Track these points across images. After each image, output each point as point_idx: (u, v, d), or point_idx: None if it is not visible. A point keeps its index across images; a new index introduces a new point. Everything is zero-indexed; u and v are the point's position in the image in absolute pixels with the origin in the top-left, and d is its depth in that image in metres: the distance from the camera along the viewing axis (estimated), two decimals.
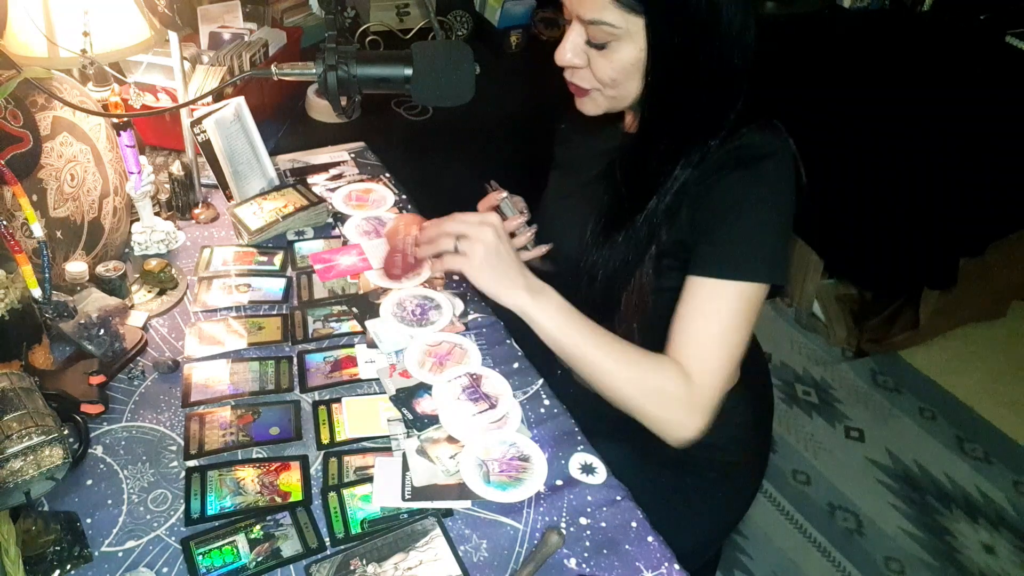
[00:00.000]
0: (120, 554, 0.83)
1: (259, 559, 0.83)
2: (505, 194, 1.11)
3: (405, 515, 0.90)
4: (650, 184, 0.95)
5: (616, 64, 0.90)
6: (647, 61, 0.89)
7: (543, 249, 1.12)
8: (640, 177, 0.96)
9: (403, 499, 0.91)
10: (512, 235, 1.09)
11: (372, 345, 1.12)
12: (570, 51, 0.92)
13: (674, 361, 0.91)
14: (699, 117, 0.92)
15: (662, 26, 0.86)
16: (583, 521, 0.91)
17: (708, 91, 0.90)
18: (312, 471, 0.94)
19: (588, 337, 0.92)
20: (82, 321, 1.02)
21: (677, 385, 0.90)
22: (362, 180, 1.48)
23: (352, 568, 0.83)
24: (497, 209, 1.12)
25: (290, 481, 0.92)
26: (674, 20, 0.85)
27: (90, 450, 0.93)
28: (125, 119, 1.15)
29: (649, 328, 1.00)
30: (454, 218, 0.94)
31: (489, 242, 0.91)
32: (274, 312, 1.16)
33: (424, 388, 1.05)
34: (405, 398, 1.03)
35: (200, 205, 1.34)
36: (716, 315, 0.90)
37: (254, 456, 0.95)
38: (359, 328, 1.15)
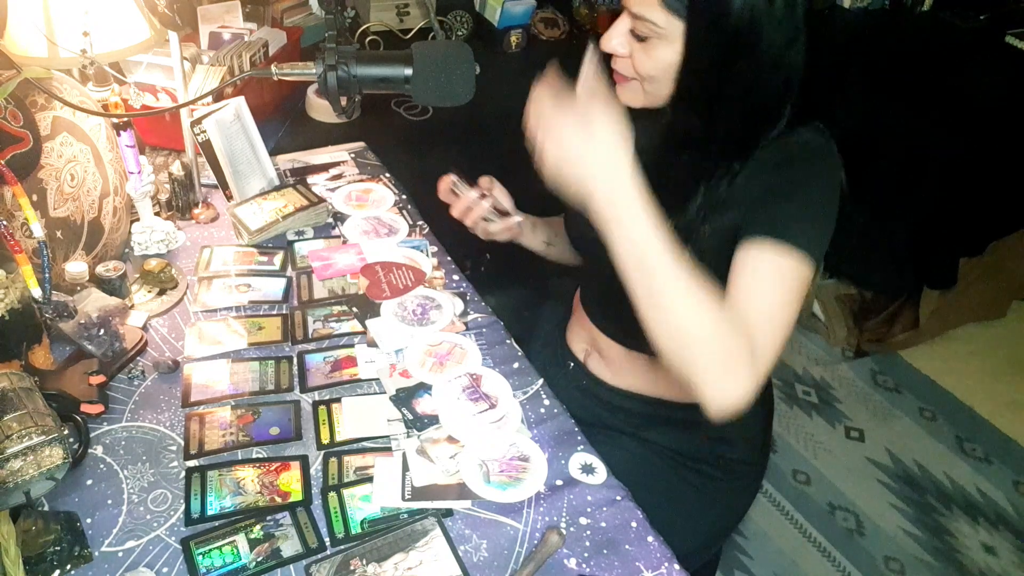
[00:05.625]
0: (120, 554, 0.83)
1: (259, 559, 0.83)
2: (454, 176, 1.16)
3: (405, 515, 0.90)
4: (671, 199, 0.90)
5: (654, 61, 0.90)
6: (679, 67, 0.88)
7: (512, 220, 1.16)
8: (662, 190, 0.94)
9: (403, 499, 0.91)
10: (469, 209, 1.14)
11: (372, 345, 1.12)
12: (616, 39, 0.92)
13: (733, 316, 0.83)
14: (725, 136, 0.91)
15: (700, 35, 0.85)
16: (583, 521, 0.91)
17: (739, 111, 0.89)
18: (312, 471, 0.94)
19: (658, 260, 0.78)
20: (82, 321, 1.02)
21: (743, 347, 0.81)
22: (362, 180, 1.48)
23: (352, 568, 0.83)
24: (452, 191, 1.16)
25: (290, 481, 0.92)
26: (712, 32, 0.85)
27: (90, 450, 0.93)
28: (125, 119, 1.15)
29: None
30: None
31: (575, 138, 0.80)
32: (274, 312, 1.16)
33: (424, 388, 1.05)
34: (405, 398, 1.03)
35: (200, 205, 1.34)
36: (774, 285, 0.85)
37: (254, 456, 0.95)
38: (359, 328, 1.14)
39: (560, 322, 1.29)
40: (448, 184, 1.16)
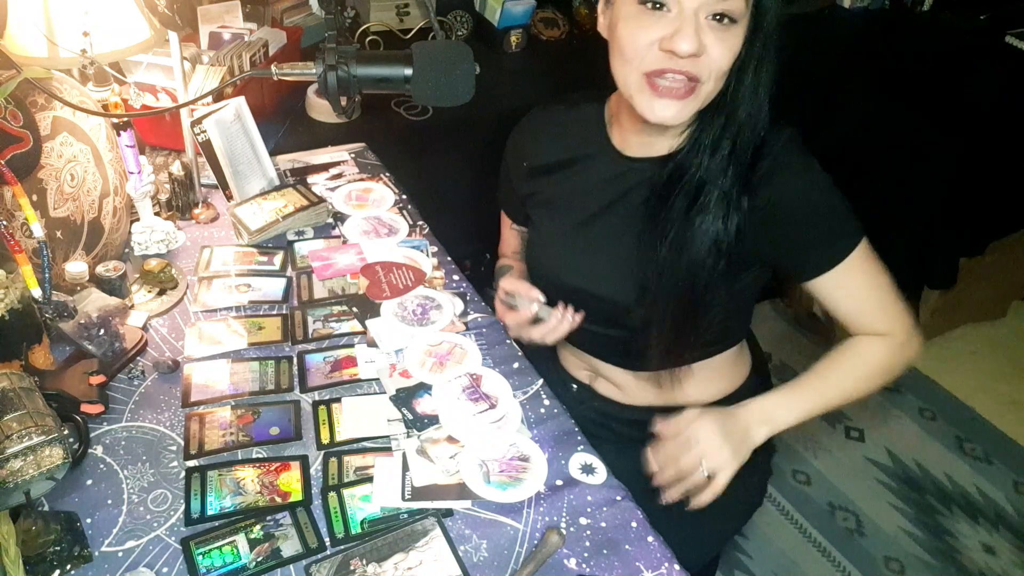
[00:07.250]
0: (120, 554, 0.83)
1: (259, 559, 0.83)
2: (536, 306, 1.05)
3: (405, 515, 0.90)
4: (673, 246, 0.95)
5: (731, 51, 0.88)
6: (734, 63, 0.90)
7: (578, 318, 1.05)
8: (662, 238, 0.96)
9: (403, 499, 0.91)
10: (536, 320, 1.07)
11: (372, 345, 1.12)
12: (693, 38, 0.86)
13: (866, 337, 1.01)
14: (738, 145, 0.93)
15: (760, 26, 0.89)
16: (583, 521, 0.91)
17: (757, 113, 0.93)
18: (312, 471, 0.94)
19: (819, 397, 1.02)
20: (82, 321, 1.02)
21: (886, 351, 1.00)
22: (362, 180, 1.48)
23: (352, 568, 0.83)
24: (536, 319, 1.07)
25: (290, 481, 0.92)
26: (767, 24, 0.89)
27: (90, 450, 0.93)
28: (125, 119, 1.15)
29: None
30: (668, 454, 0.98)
31: (706, 441, 0.96)
32: (274, 312, 1.16)
33: (424, 388, 1.05)
34: (405, 398, 1.03)
35: (200, 205, 1.34)
36: (863, 284, 0.98)
37: (254, 456, 0.95)
38: (359, 328, 1.14)
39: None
40: (528, 316, 1.06)
